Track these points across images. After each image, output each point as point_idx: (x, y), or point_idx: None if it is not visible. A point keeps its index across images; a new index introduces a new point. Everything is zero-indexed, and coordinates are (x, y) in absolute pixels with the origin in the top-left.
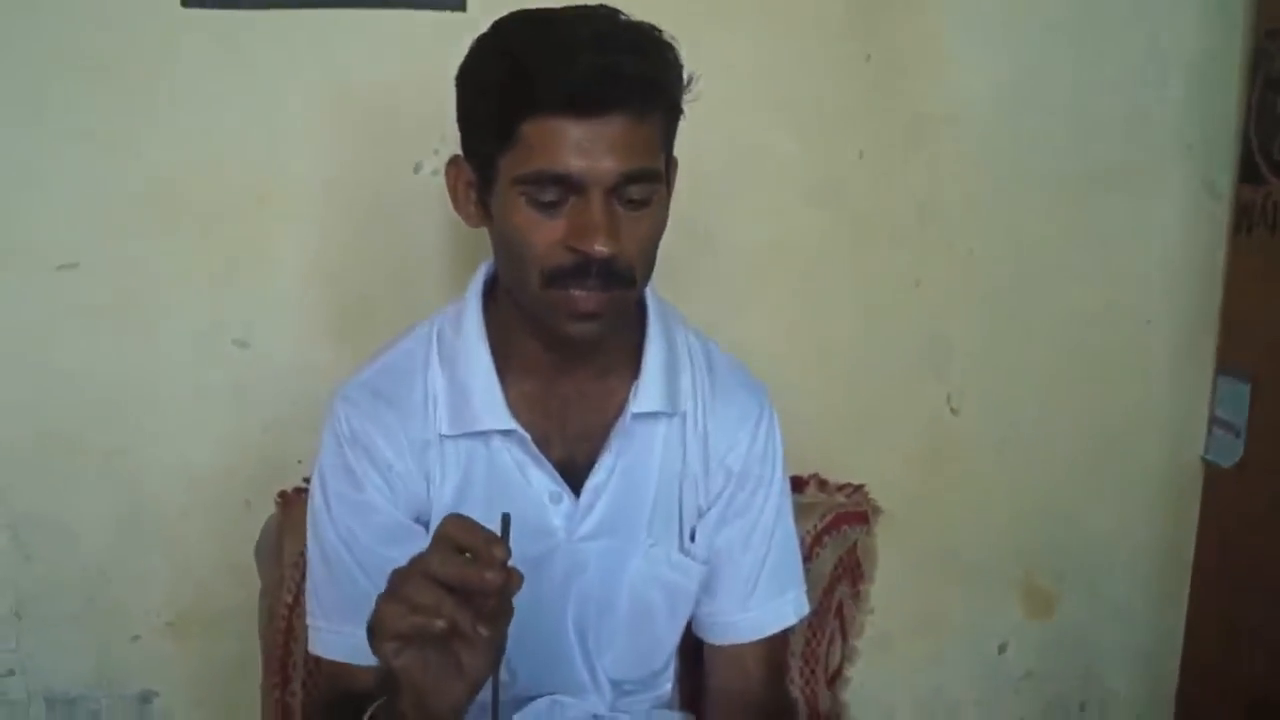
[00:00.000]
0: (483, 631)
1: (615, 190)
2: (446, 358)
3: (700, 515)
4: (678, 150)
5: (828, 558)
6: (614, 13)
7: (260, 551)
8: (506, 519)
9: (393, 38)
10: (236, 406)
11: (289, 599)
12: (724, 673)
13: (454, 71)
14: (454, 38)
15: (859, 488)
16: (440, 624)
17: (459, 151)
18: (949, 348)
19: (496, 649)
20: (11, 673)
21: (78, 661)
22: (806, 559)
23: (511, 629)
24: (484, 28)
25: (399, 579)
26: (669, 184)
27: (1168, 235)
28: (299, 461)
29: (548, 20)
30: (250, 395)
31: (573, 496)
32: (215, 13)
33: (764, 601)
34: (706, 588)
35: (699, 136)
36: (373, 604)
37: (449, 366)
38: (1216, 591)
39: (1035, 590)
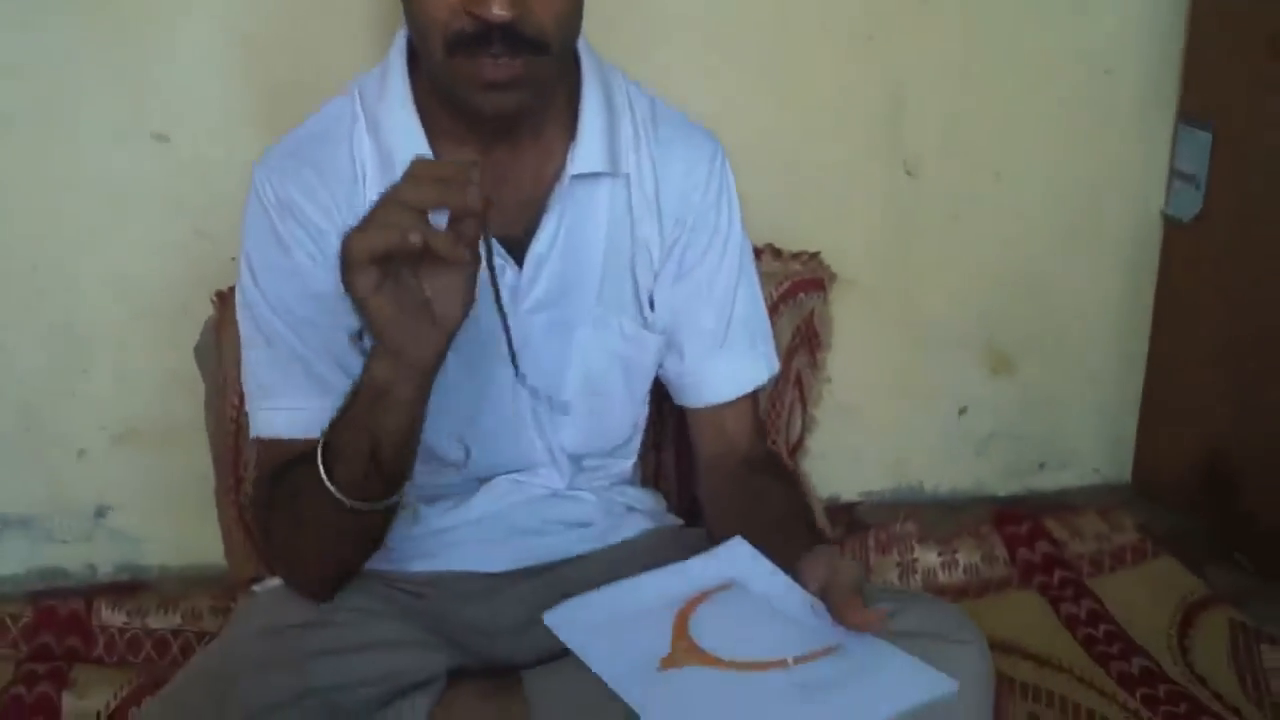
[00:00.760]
0: (463, 250)
1: None
2: (372, 124)
3: (656, 282)
4: None
5: (784, 326)
6: None
7: (201, 354)
8: (475, 163)
9: None
10: (163, 207)
11: (235, 400)
12: (706, 438)
13: None
14: None
15: (814, 255)
16: (416, 238)
17: None
18: (903, 108)
19: (468, 289)
20: None
21: (25, 481)
22: None
23: (464, 406)
24: None
25: (368, 213)
26: None
27: None
28: (232, 259)
29: None
30: (176, 195)
31: (516, 268)
32: None
33: (734, 358)
34: (672, 346)
35: None
36: (312, 373)
37: (374, 134)
38: (1175, 348)
39: (996, 352)
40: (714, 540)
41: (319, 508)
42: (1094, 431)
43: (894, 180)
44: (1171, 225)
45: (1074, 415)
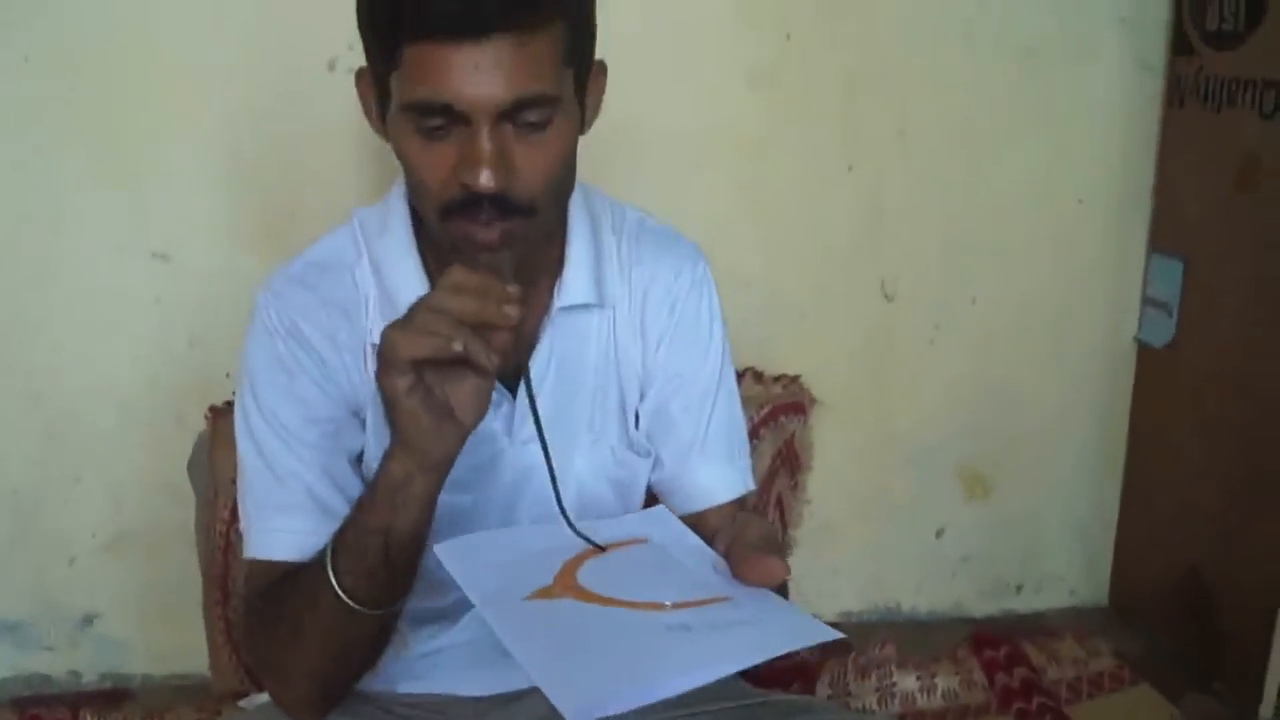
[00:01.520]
0: (494, 360)
1: (505, 116)
2: (374, 262)
3: (642, 397)
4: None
5: (766, 450)
6: None
7: (193, 468)
8: (506, 262)
9: None
10: (160, 321)
11: (225, 515)
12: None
13: None
14: None
15: (795, 379)
16: (458, 346)
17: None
18: (882, 234)
19: (487, 395)
20: None
21: (15, 587)
22: None
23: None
24: None
25: (407, 315)
26: (582, 94)
27: (1100, 110)
28: (227, 375)
29: None
30: (172, 309)
31: (510, 399)
32: None
33: (713, 466)
34: (652, 453)
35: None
36: (313, 496)
37: (377, 272)
38: (1150, 471)
39: (972, 475)
40: None
41: (321, 616)
42: (1070, 554)
43: (872, 305)
44: (1144, 351)
45: (1050, 537)
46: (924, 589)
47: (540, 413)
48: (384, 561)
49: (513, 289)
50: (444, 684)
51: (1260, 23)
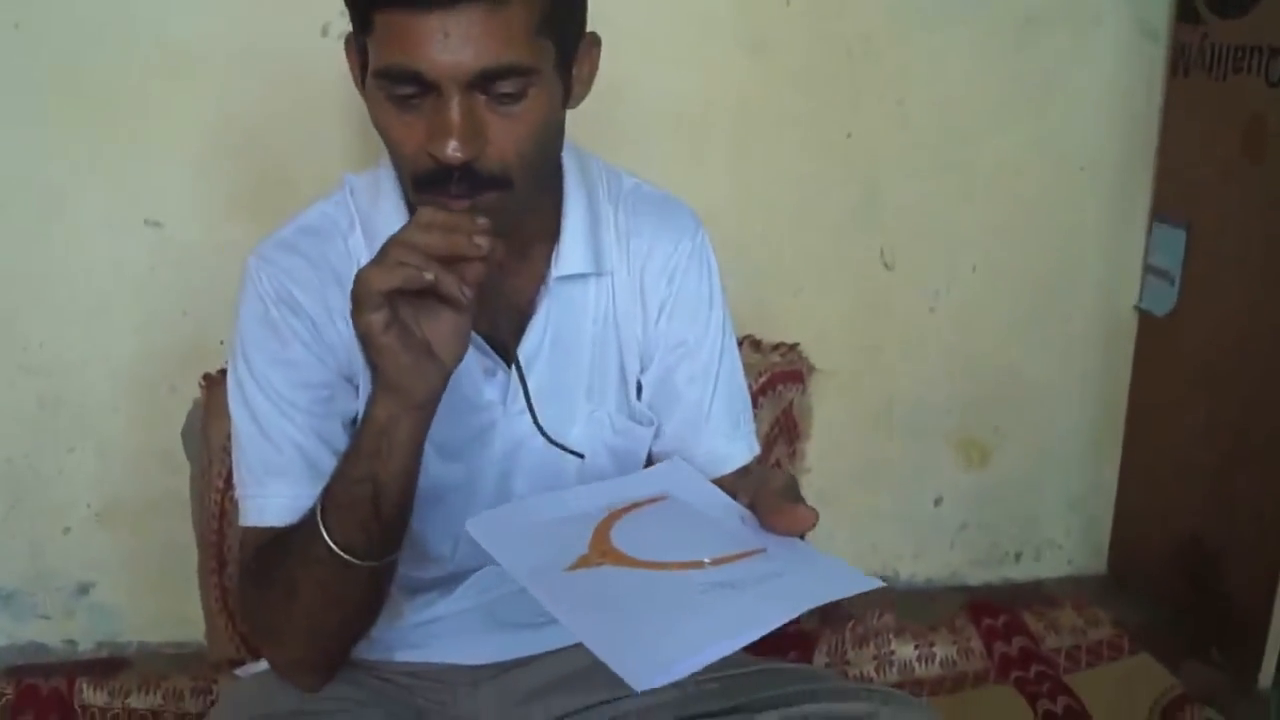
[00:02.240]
0: (468, 293)
1: (477, 86)
2: (368, 228)
3: (642, 366)
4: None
5: (764, 418)
6: None
7: (188, 436)
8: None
9: None
10: (153, 289)
11: (219, 483)
12: None
13: None
14: None
15: (794, 347)
16: (428, 275)
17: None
18: (881, 201)
19: (465, 332)
20: None
21: (10, 556)
22: None
23: (455, 503)
24: None
25: (378, 255)
26: (568, 67)
27: (1102, 78)
28: (221, 343)
29: None
30: (165, 278)
31: (505, 368)
32: None
33: (715, 437)
34: (654, 422)
35: None
36: (307, 461)
37: (370, 238)
38: (1150, 440)
39: (971, 443)
40: None
41: (316, 573)
42: (1069, 522)
43: (872, 273)
44: (1146, 319)
45: (1049, 506)
46: (922, 557)
47: (537, 382)
48: (374, 511)
49: (482, 221)
50: (441, 653)
51: None
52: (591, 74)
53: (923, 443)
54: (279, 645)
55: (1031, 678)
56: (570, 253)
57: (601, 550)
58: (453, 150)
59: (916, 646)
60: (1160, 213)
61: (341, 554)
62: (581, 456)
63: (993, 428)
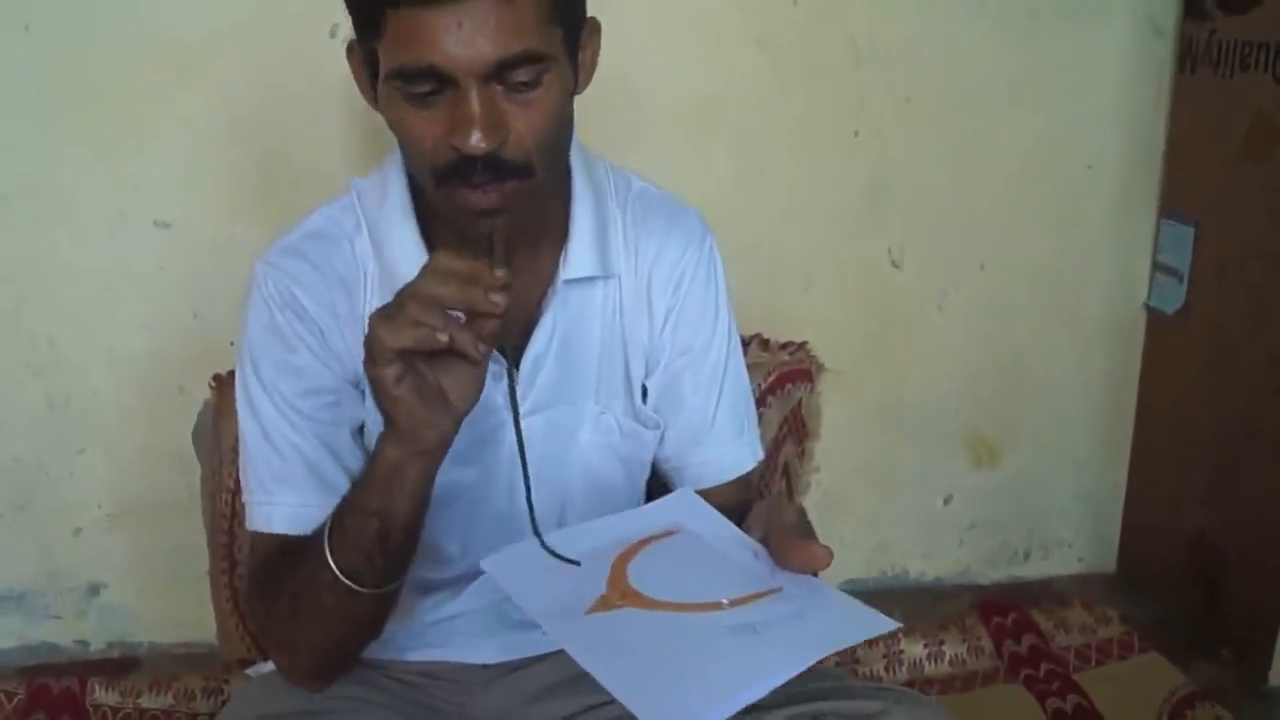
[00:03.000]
0: (482, 349)
1: (493, 77)
2: (374, 233)
3: (648, 371)
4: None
5: (773, 417)
6: None
7: (198, 437)
8: (493, 238)
9: None
10: (163, 290)
11: (230, 484)
12: None
13: None
14: None
15: (802, 345)
16: (444, 337)
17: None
18: (889, 200)
19: (479, 380)
20: None
21: (21, 557)
22: None
23: (463, 507)
24: None
25: (392, 305)
26: (574, 53)
27: (1110, 75)
28: (231, 344)
29: None
30: (176, 277)
31: (513, 370)
32: None
33: (719, 445)
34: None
35: None
36: (312, 470)
37: (376, 243)
38: (1159, 438)
39: (980, 441)
40: None
41: (320, 594)
42: (1078, 521)
43: (880, 271)
44: (1154, 317)
45: (1058, 505)
46: (931, 556)
47: (545, 385)
48: (380, 544)
49: (500, 273)
50: (452, 652)
51: None
52: (594, 60)
53: (932, 441)
54: (283, 653)
55: (1041, 676)
56: (578, 255)
57: (620, 590)
58: (476, 141)
59: (926, 645)
60: (1168, 210)
61: (346, 580)
62: (577, 564)
63: (1002, 426)
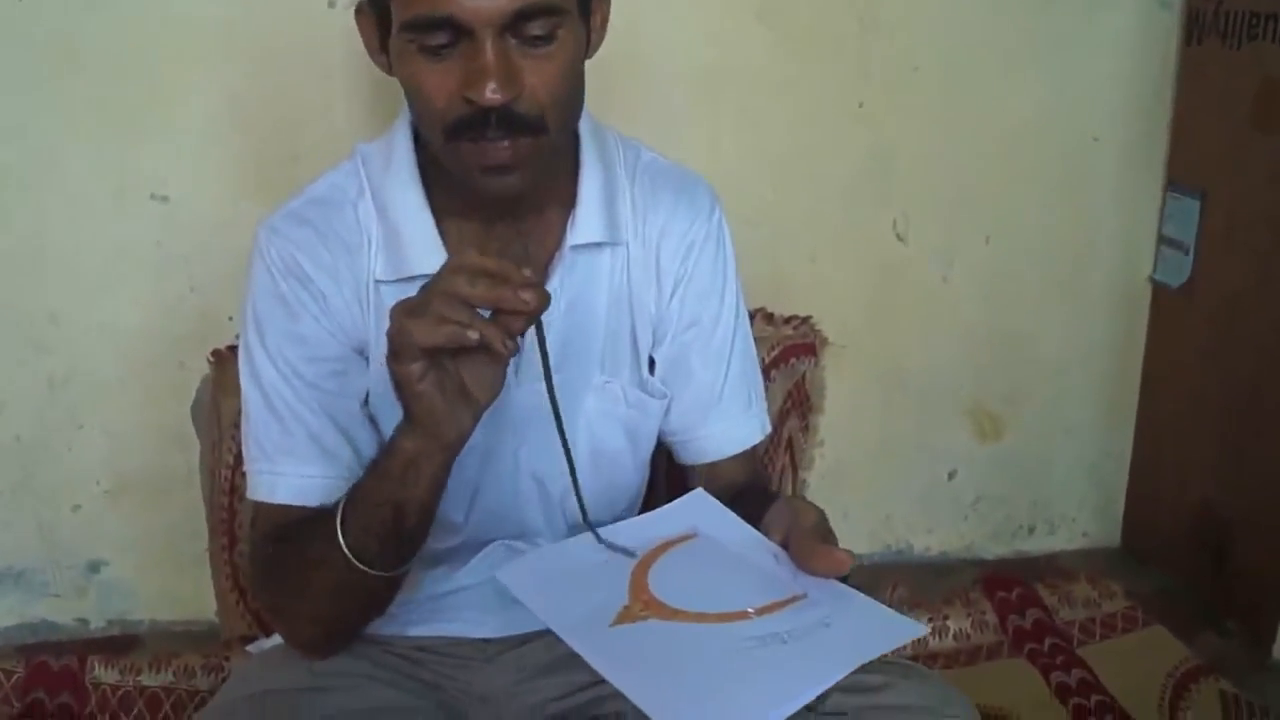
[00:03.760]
0: (510, 345)
1: (509, 29)
2: (378, 197)
3: (655, 341)
4: None
5: (777, 391)
6: None
7: (197, 413)
8: (523, 246)
9: None
10: (161, 265)
11: (229, 459)
12: (700, 483)
13: None
14: None
15: (806, 319)
16: (475, 335)
17: None
18: (894, 173)
19: (502, 375)
20: None
21: (20, 535)
22: None
23: (469, 475)
24: None
25: (417, 300)
26: (587, 13)
27: (1116, 47)
28: (229, 319)
29: None
30: (174, 252)
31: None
32: None
33: (727, 418)
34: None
35: None
36: (315, 440)
37: (380, 207)
38: (1163, 412)
39: (984, 415)
40: None
41: (329, 573)
42: (1083, 495)
43: (884, 244)
44: (1160, 290)
45: (1062, 479)
46: (936, 531)
47: (550, 351)
48: (393, 530)
49: (528, 273)
50: (454, 627)
51: None
52: (604, 24)
53: (936, 415)
54: (288, 625)
55: (1045, 650)
56: (586, 221)
57: (643, 601)
58: (491, 92)
59: (930, 619)
60: (1174, 182)
61: (356, 562)
62: (634, 555)
63: (1006, 400)
